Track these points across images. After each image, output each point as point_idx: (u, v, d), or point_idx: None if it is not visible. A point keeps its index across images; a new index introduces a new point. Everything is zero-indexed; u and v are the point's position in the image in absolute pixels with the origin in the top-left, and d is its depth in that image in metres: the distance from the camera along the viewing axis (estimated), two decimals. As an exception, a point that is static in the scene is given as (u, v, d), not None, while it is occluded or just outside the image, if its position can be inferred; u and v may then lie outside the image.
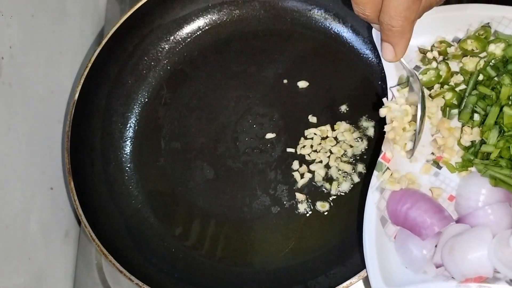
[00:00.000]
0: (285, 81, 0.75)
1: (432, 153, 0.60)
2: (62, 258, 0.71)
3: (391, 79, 0.63)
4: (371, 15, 0.51)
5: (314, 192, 0.69)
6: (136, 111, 0.76)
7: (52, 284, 0.67)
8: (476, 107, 0.59)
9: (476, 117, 0.59)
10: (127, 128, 0.76)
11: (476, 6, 0.63)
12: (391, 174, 0.59)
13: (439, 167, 0.60)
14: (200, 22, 0.80)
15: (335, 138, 0.70)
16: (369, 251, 0.56)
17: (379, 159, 0.59)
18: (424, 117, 0.58)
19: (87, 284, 0.71)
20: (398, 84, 0.63)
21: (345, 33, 0.76)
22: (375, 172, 0.59)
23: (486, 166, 0.56)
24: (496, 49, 0.61)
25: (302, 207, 0.68)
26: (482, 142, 0.58)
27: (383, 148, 0.60)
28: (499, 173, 0.55)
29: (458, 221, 0.57)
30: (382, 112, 0.61)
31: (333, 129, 0.71)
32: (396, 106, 0.61)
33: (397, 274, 0.55)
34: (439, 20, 0.63)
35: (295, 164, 0.70)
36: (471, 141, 0.59)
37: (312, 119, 0.72)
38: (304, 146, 0.71)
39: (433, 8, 0.55)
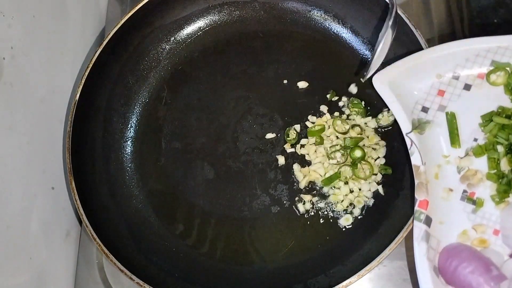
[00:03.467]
0: (285, 81, 0.75)
1: (465, 191, 0.60)
2: (63, 258, 0.71)
3: (405, 125, 0.63)
4: None
5: (313, 192, 0.69)
6: (137, 111, 0.77)
7: (53, 283, 0.67)
8: (498, 137, 0.60)
9: (500, 148, 0.60)
10: (128, 128, 0.76)
11: (470, 41, 0.64)
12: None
13: (474, 203, 0.60)
14: (200, 23, 0.80)
15: (337, 137, 0.70)
16: None
17: (416, 207, 0.58)
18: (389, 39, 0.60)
19: (88, 283, 0.71)
20: (413, 129, 0.63)
21: (345, 33, 0.76)
22: (415, 223, 0.58)
23: None
24: (497, 78, 0.62)
25: (302, 207, 0.68)
26: None
27: (416, 196, 0.59)
28: None
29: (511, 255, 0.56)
30: (416, 170, 0.60)
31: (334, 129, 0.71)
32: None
33: None
34: (436, 60, 0.64)
35: (295, 164, 0.70)
36: (502, 172, 0.59)
37: (312, 119, 0.72)
38: (304, 146, 0.71)
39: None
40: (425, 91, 0.65)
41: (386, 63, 0.66)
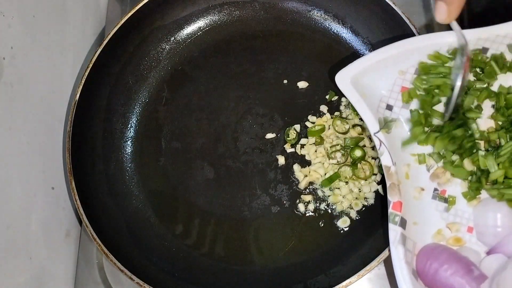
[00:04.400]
0: (285, 81, 0.75)
1: (436, 189, 0.60)
2: (63, 257, 0.71)
3: (372, 125, 0.60)
4: None
5: (314, 192, 0.69)
6: (137, 111, 0.77)
7: (53, 283, 0.67)
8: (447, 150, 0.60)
9: (455, 157, 0.60)
10: (128, 128, 0.76)
11: (431, 36, 0.62)
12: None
13: (446, 201, 0.59)
14: (200, 23, 0.80)
15: (337, 137, 0.70)
16: None
17: (390, 210, 0.56)
18: (463, 86, 0.57)
19: (88, 283, 0.71)
20: (381, 129, 0.61)
21: (345, 33, 0.76)
22: (390, 226, 0.55)
23: (500, 192, 0.55)
24: None
25: (302, 207, 0.68)
26: (481, 169, 0.58)
27: (389, 197, 0.57)
28: None
29: (489, 252, 0.56)
30: (384, 163, 0.59)
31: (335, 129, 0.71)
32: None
33: None
34: (398, 56, 0.63)
35: (295, 165, 0.70)
36: (470, 171, 0.59)
37: (312, 119, 0.72)
38: (304, 146, 0.71)
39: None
40: (388, 89, 0.63)
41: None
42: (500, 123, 0.60)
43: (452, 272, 0.53)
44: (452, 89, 0.58)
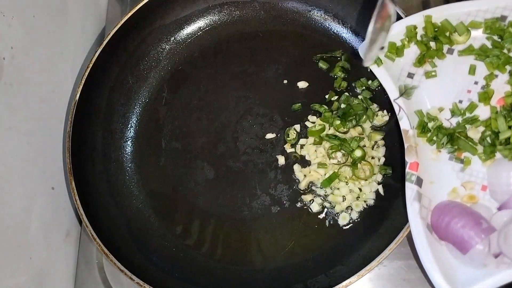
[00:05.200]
0: (285, 81, 0.75)
1: (452, 151, 0.62)
2: (63, 258, 0.71)
3: (392, 92, 0.65)
4: None
5: (313, 192, 0.69)
6: (137, 111, 0.77)
7: (53, 283, 0.67)
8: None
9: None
10: (128, 128, 0.76)
11: (451, 6, 0.66)
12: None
13: (462, 162, 0.61)
14: (200, 23, 0.80)
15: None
16: (426, 260, 0.56)
17: (407, 169, 0.60)
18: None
19: (88, 283, 0.71)
20: (401, 95, 0.64)
21: (345, 33, 0.76)
22: (407, 184, 0.59)
23: (511, 151, 0.58)
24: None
25: (302, 207, 0.68)
26: (494, 132, 0.60)
27: (407, 158, 0.61)
28: None
29: (500, 208, 0.58)
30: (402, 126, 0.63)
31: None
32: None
33: (459, 274, 0.56)
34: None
35: (296, 165, 0.70)
36: (481, 133, 0.62)
37: (312, 119, 0.72)
38: (303, 146, 0.71)
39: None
40: (410, 58, 0.67)
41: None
42: None
43: (462, 224, 0.56)
44: None
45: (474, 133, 0.62)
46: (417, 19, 0.67)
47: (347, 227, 0.67)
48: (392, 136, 0.69)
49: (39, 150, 0.68)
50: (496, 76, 0.63)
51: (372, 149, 0.69)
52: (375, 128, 0.70)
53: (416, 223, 0.58)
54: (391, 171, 0.67)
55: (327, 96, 0.73)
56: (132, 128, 0.76)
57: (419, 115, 0.64)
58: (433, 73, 0.66)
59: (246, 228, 0.69)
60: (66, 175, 0.73)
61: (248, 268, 0.67)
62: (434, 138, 0.62)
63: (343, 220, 0.67)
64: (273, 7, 0.79)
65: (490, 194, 0.60)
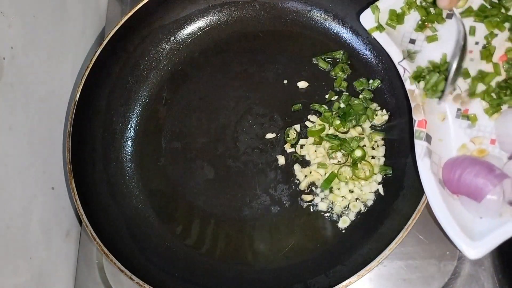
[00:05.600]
0: (285, 81, 0.75)
1: (459, 109, 0.62)
2: (63, 258, 0.71)
3: (396, 55, 0.66)
4: None
5: (313, 192, 0.69)
6: (137, 111, 0.77)
7: (53, 283, 0.67)
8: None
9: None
10: (128, 128, 0.76)
11: None
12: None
13: (469, 119, 0.62)
14: (200, 23, 0.80)
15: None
16: (441, 214, 0.56)
17: (415, 127, 0.61)
18: (464, 56, 0.62)
19: (88, 283, 0.71)
20: (404, 58, 0.65)
21: (345, 33, 0.76)
22: (416, 141, 0.60)
23: None
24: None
25: (302, 207, 0.68)
26: (500, 85, 0.61)
27: (414, 117, 0.61)
28: None
29: (511, 157, 0.59)
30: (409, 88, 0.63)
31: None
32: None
33: (475, 226, 0.56)
34: None
35: (296, 165, 0.70)
36: (485, 88, 0.62)
37: (312, 118, 0.72)
38: (303, 146, 0.71)
39: None
40: (410, 25, 0.68)
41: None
42: None
43: (475, 173, 0.56)
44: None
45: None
46: None
47: (347, 227, 0.67)
48: (392, 136, 0.69)
49: (39, 150, 0.68)
50: (496, 35, 0.64)
51: (372, 149, 0.69)
52: (375, 128, 0.70)
53: (428, 178, 0.58)
54: (391, 171, 0.67)
55: (327, 96, 0.73)
56: (132, 128, 0.76)
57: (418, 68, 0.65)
58: (435, 37, 0.66)
59: (246, 228, 0.69)
60: (66, 175, 0.73)
61: (248, 268, 0.67)
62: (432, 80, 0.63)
63: (343, 220, 0.67)
64: (273, 7, 0.79)
65: (500, 146, 0.60)
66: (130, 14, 0.74)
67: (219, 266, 0.67)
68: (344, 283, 0.59)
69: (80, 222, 0.75)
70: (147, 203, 0.72)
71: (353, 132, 0.70)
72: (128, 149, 0.75)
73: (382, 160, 0.68)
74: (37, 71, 0.68)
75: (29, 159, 0.65)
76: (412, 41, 0.67)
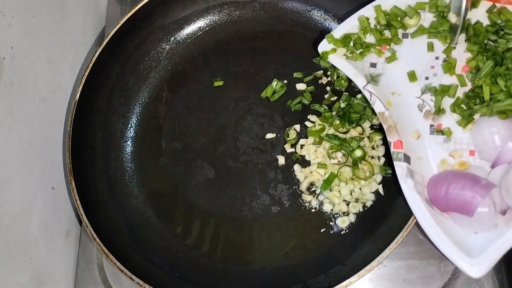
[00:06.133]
0: (285, 81, 0.75)
1: (432, 125, 0.62)
2: (63, 258, 0.71)
3: (360, 81, 0.66)
4: None
5: (313, 192, 0.69)
6: (137, 111, 0.77)
7: (53, 283, 0.67)
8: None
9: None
10: (128, 128, 0.76)
11: None
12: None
13: (443, 133, 0.62)
14: (200, 23, 0.80)
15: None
16: (433, 233, 0.55)
17: (392, 149, 0.60)
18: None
19: (88, 283, 0.71)
20: (368, 82, 0.65)
21: (345, 33, 0.76)
22: (396, 163, 0.60)
23: (489, 106, 0.59)
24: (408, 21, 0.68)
25: (302, 207, 0.68)
26: (468, 95, 0.62)
27: (389, 139, 0.61)
28: (503, 106, 0.58)
29: (493, 165, 0.58)
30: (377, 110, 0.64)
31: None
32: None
33: (471, 242, 0.55)
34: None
35: (296, 165, 0.70)
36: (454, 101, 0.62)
37: (312, 118, 0.72)
38: (303, 146, 0.71)
39: None
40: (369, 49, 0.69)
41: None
42: (475, 52, 0.63)
43: (460, 187, 0.56)
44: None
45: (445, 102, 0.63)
46: (367, 11, 0.69)
47: (347, 227, 0.67)
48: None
49: (39, 150, 0.68)
50: (454, 47, 0.64)
51: (372, 149, 0.69)
52: (375, 128, 0.70)
53: (414, 199, 0.57)
54: (391, 171, 0.67)
55: (327, 96, 0.73)
56: (132, 128, 0.76)
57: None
58: (394, 57, 0.67)
59: (246, 228, 0.69)
60: (66, 175, 0.73)
61: (248, 267, 0.67)
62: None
63: (343, 220, 0.67)
64: (273, 7, 0.79)
65: (480, 156, 0.60)
66: (130, 14, 0.74)
67: (219, 266, 0.67)
68: (344, 283, 0.59)
69: (80, 222, 0.75)
70: (147, 203, 0.72)
71: (353, 132, 0.70)
72: (128, 149, 0.75)
73: (382, 160, 0.68)
74: (37, 71, 0.68)
75: (29, 159, 0.65)
76: (373, 65, 0.68)
